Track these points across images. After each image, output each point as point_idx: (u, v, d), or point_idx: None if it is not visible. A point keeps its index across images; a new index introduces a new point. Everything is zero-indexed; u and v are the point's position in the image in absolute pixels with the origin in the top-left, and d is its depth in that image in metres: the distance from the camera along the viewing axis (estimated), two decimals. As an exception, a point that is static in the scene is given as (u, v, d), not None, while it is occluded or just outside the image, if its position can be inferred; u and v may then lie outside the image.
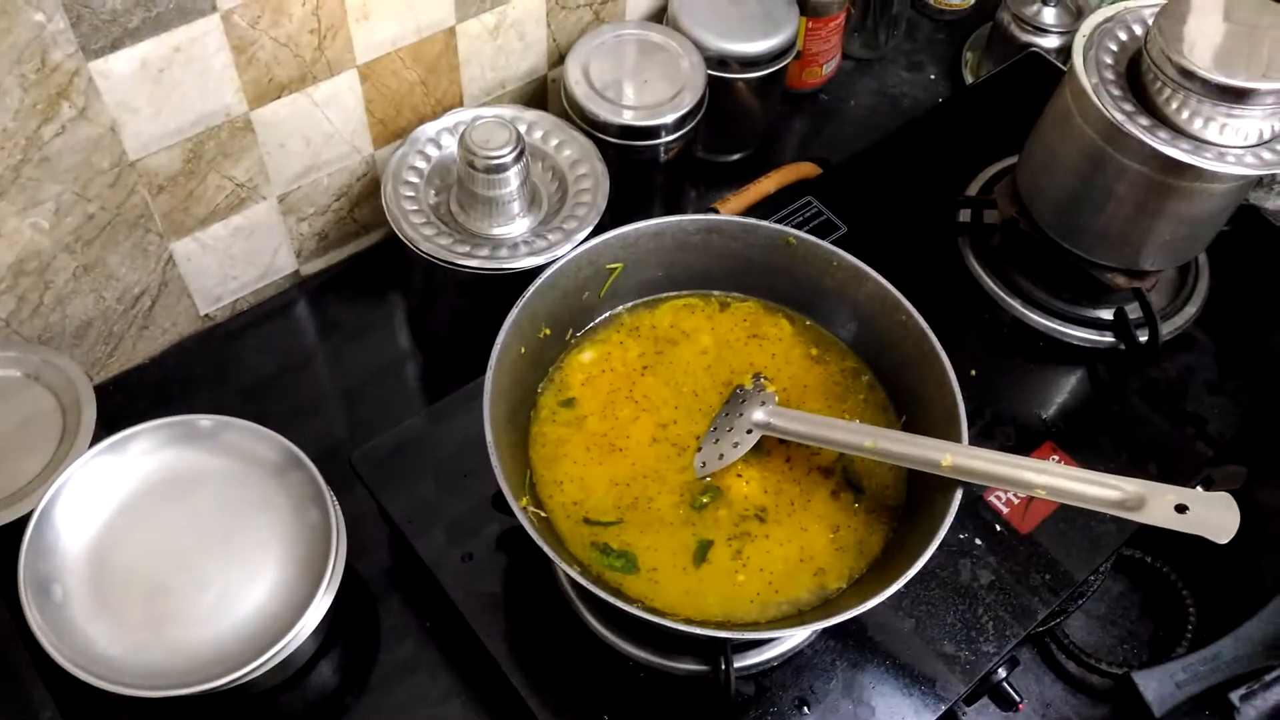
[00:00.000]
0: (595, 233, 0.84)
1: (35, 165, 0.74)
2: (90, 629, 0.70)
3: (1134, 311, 0.91)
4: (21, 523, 0.72)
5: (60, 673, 0.67)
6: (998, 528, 0.81)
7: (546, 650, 0.74)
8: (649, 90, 0.95)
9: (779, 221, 0.96)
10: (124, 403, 0.91)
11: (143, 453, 0.76)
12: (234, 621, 0.72)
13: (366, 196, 0.97)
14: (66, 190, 0.77)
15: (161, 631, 0.71)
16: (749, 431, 0.70)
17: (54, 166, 0.75)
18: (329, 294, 1.00)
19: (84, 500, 0.74)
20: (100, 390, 0.90)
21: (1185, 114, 0.78)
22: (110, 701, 0.67)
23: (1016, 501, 0.82)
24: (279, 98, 0.84)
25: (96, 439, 0.77)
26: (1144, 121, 0.79)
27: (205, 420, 0.77)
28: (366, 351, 0.97)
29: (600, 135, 0.93)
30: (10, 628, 0.72)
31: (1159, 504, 0.62)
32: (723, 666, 0.68)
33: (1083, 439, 0.87)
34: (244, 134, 0.84)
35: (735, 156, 1.12)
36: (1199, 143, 0.78)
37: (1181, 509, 0.61)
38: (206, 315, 0.96)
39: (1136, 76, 0.81)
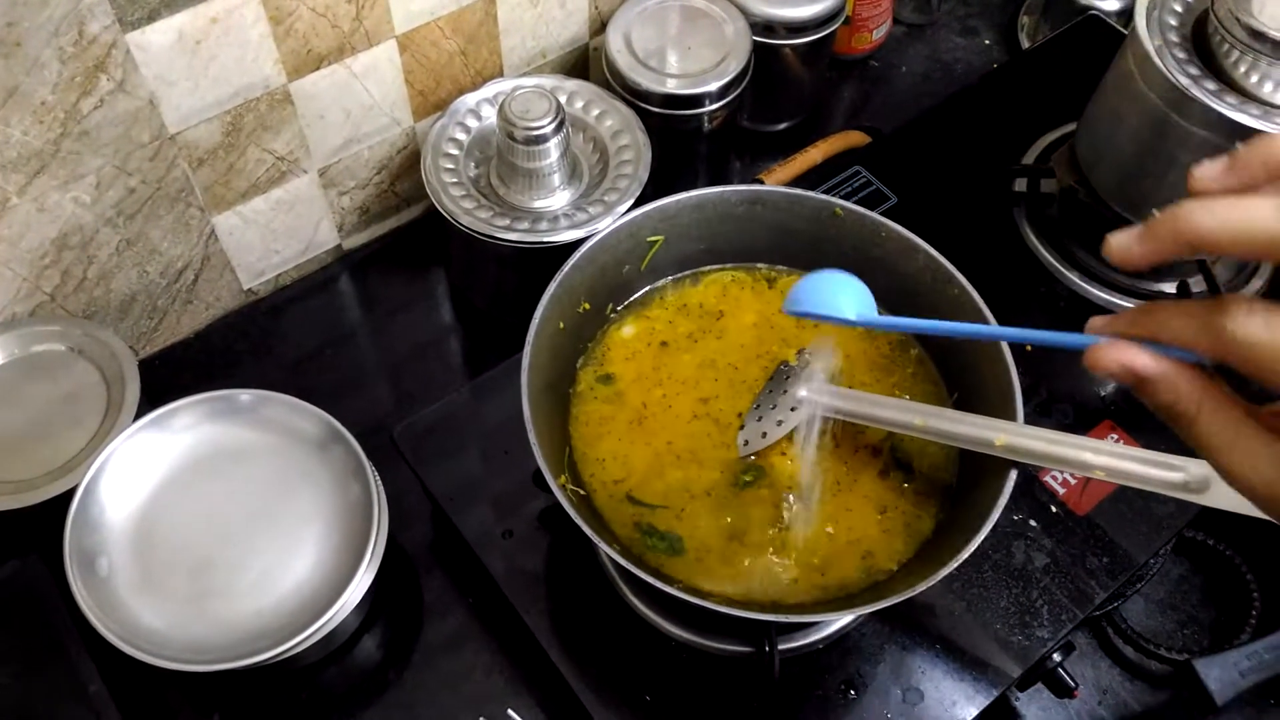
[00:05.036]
0: (637, 204, 0.82)
1: (75, 139, 0.74)
2: (135, 603, 0.71)
3: (1198, 285, 0.88)
4: (67, 497, 0.72)
5: (106, 646, 0.68)
6: (1053, 509, 0.78)
7: (588, 629, 0.73)
8: (692, 58, 0.93)
9: (827, 192, 0.94)
10: (168, 377, 0.91)
11: (185, 427, 0.76)
12: (277, 596, 0.72)
13: (407, 169, 0.97)
14: (107, 164, 0.77)
15: (205, 606, 0.71)
16: (793, 409, 0.68)
17: (94, 140, 0.75)
18: (371, 268, 0.99)
19: (128, 474, 0.74)
20: (145, 364, 0.91)
21: (1254, 78, 0.75)
22: (155, 674, 0.68)
23: (1074, 482, 0.79)
24: (318, 69, 0.83)
25: (140, 413, 0.77)
26: (1210, 86, 0.76)
27: (245, 395, 0.76)
28: (409, 326, 0.96)
29: (642, 105, 0.91)
30: (57, 601, 0.73)
31: (1225, 486, 0.59)
32: (767, 649, 0.67)
33: (1143, 417, 0.82)
34: (283, 106, 0.83)
35: (782, 126, 1.10)
36: (1269, 107, 0.74)
37: (1249, 492, 0.58)
38: (249, 290, 0.96)
39: (1203, 39, 0.78)
